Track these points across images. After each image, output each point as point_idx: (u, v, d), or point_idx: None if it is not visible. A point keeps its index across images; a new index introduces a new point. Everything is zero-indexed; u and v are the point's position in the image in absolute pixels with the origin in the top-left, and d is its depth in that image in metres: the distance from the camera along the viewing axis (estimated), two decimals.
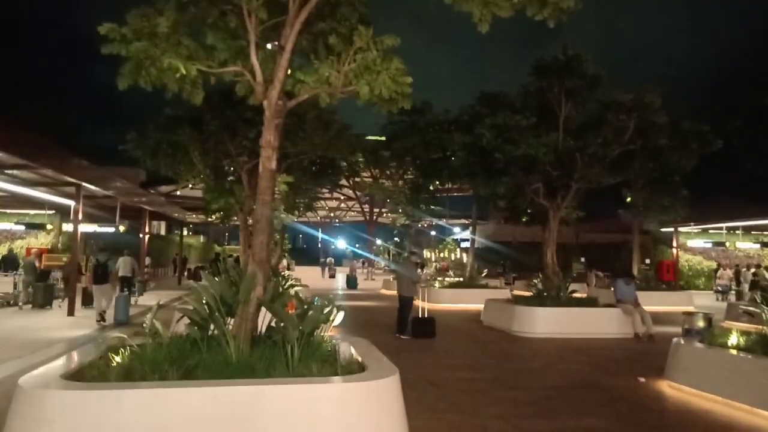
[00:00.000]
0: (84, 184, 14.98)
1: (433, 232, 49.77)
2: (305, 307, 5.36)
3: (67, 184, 15.67)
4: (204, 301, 5.42)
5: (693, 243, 29.94)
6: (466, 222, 47.30)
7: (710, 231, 31.73)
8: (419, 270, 16.80)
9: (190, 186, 30.20)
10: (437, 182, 21.36)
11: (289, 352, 5.00)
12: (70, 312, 14.47)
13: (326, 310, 5.55)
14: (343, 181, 35.00)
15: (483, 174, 12.99)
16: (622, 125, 12.24)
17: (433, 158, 19.23)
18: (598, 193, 19.72)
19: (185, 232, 39.97)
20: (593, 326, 12.12)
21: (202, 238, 55.00)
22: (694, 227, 28.26)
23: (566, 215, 26.94)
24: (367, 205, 41.90)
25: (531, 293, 14.25)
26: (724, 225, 28.75)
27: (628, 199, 20.51)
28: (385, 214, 43.59)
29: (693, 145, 13.51)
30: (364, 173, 33.00)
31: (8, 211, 27.30)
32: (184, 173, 12.32)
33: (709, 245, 30.21)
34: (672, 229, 25.97)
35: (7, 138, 11.25)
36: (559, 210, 13.60)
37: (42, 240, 29.55)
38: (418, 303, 12.39)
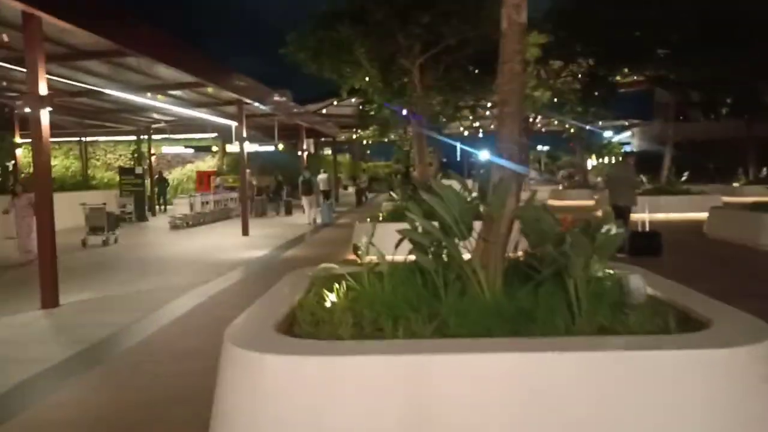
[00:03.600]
0: (246, 100, 14.38)
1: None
2: (589, 224, 3.69)
3: (229, 102, 15.27)
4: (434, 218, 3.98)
5: None
6: (626, 123, 41.94)
7: None
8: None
9: (335, 103, 29.48)
10: (624, 70, 17.95)
11: (572, 290, 3.42)
12: (245, 231, 14.36)
13: (605, 227, 3.85)
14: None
15: (721, 45, 9.97)
16: None
17: (623, 39, 15.82)
18: None
19: (329, 151, 39.96)
20: None
21: (347, 156, 55.25)
22: None
23: None
24: None
25: None
26: None
27: None
28: (538, 120, 39.99)
29: None
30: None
31: (175, 136, 28.55)
32: (349, 76, 10.98)
33: None
34: None
35: (178, 56, 10.72)
36: None
37: (209, 163, 30.95)
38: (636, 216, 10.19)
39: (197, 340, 5.63)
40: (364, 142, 49.61)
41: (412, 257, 4.14)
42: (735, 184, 22.47)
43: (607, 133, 44.74)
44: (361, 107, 17.70)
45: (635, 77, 20.84)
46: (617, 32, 15.82)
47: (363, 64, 10.32)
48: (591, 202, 22.49)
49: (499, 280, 3.64)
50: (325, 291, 3.96)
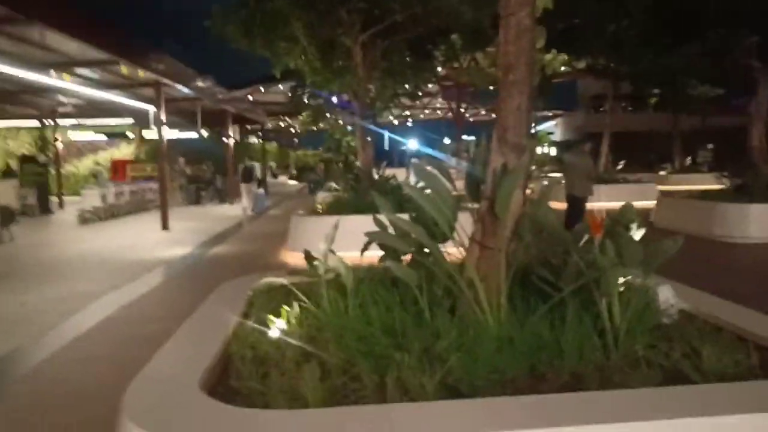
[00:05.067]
0: (164, 81, 12.88)
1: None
2: (633, 226, 2.89)
3: (147, 84, 13.68)
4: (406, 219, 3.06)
5: None
6: (549, 114, 42.56)
7: None
8: None
9: (263, 89, 27.91)
10: (566, 59, 17.66)
11: (605, 312, 2.62)
12: (165, 225, 12.92)
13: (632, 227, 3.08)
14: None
15: (672, 35, 9.60)
16: None
17: (564, 28, 15.50)
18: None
19: (255, 140, 38.14)
20: None
21: (274, 145, 53.13)
22: None
23: (701, 94, 22.90)
24: (452, 101, 38.17)
25: (724, 186, 11.16)
26: None
27: None
28: (470, 109, 39.69)
29: None
30: (453, 63, 28.94)
31: (87, 122, 26.06)
32: (284, 53, 9.80)
33: None
34: None
35: (88, 27, 9.20)
36: None
37: (124, 151, 28.64)
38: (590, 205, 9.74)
39: (102, 371, 4.47)
40: (293, 130, 48.03)
41: (370, 257, 3.26)
42: (661, 173, 23.03)
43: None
44: (295, 91, 16.49)
45: (569, 68, 20.80)
46: (557, 19, 15.46)
47: (300, 41, 9.21)
48: (527, 191, 22.39)
49: (503, 297, 2.78)
50: (271, 315, 2.98)
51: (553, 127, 46.86)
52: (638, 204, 14.04)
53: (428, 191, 2.88)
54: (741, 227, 9.23)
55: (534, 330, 2.58)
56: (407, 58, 14.13)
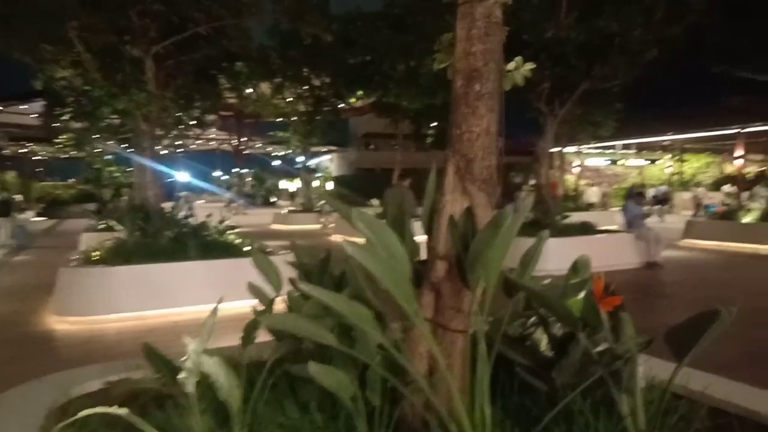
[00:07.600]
0: None
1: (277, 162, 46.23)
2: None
3: None
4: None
5: (591, 161, 30.14)
6: (324, 149, 43.64)
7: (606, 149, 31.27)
8: None
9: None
10: (359, 94, 17.84)
11: (629, 414, 1.93)
12: None
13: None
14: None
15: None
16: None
17: (358, 63, 15.59)
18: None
19: None
20: (606, 257, 10.21)
21: (13, 174, 44.31)
22: (591, 146, 27.90)
23: None
24: (231, 132, 36.40)
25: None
26: (620, 142, 28.92)
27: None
28: (249, 142, 38.43)
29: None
30: (233, 94, 27.55)
31: None
32: (50, 59, 7.64)
33: (606, 163, 30.59)
34: (575, 149, 25.49)
35: None
36: (557, 118, 11.09)
37: None
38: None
39: None
40: (40, 157, 41.27)
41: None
42: None
43: (300, 158, 46.21)
44: (51, 112, 13.64)
45: (355, 104, 21.26)
46: (348, 56, 15.59)
47: (75, 45, 7.24)
48: (317, 227, 22.08)
49: (486, 405, 1.93)
50: None
51: (328, 162, 48.15)
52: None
53: (370, 247, 1.93)
54: (541, 261, 9.81)
55: None
56: (195, 82, 12.80)
